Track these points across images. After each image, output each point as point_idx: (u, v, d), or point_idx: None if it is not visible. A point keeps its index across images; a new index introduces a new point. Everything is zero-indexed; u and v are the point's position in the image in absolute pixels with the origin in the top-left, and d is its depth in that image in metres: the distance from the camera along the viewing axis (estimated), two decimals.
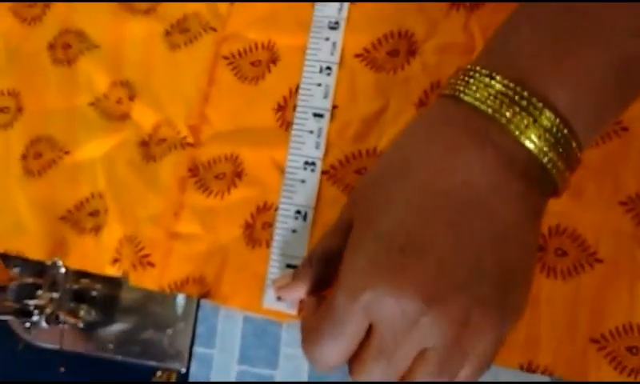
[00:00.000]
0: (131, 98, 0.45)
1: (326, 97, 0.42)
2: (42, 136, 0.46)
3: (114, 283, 0.43)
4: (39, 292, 0.42)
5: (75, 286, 0.43)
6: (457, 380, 0.31)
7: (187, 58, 0.45)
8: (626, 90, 0.32)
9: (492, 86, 0.31)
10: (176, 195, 0.43)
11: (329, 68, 0.43)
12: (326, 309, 0.32)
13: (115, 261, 0.43)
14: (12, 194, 0.45)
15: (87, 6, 0.48)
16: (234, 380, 0.41)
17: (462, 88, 0.32)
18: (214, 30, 0.45)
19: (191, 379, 0.42)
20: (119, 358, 0.43)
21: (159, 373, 0.43)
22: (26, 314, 0.41)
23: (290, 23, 0.44)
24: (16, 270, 0.44)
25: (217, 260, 0.42)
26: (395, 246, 0.30)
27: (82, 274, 0.43)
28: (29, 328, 0.42)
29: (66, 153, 0.45)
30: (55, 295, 0.42)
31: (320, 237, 0.37)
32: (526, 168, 0.31)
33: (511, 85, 0.30)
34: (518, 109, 0.30)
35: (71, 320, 0.42)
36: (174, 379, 0.42)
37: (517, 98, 0.30)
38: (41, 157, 0.45)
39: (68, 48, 0.47)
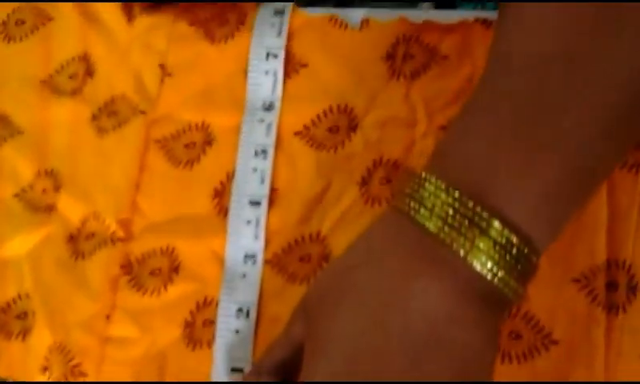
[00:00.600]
0: (56, 189, 0.43)
1: (262, 182, 0.40)
2: None
3: None
4: None
5: None
6: None
7: (116, 143, 0.43)
8: (584, 194, 0.31)
9: (447, 202, 0.29)
10: (107, 296, 0.41)
11: (264, 151, 0.41)
12: None
13: (45, 369, 0.40)
14: None
15: (11, 87, 0.46)
16: None
17: (415, 206, 0.30)
18: (144, 113, 0.43)
19: None
20: None
21: None
22: None
23: (225, 102, 0.43)
24: None
25: (155, 364, 0.39)
26: None
27: None
28: None
29: None
30: None
31: (266, 338, 0.36)
32: (483, 290, 0.29)
33: (463, 199, 0.29)
34: (468, 227, 0.29)
35: None
36: None
37: (469, 213, 0.29)
38: None
39: None
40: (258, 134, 0.41)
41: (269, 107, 0.42)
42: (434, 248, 0.29)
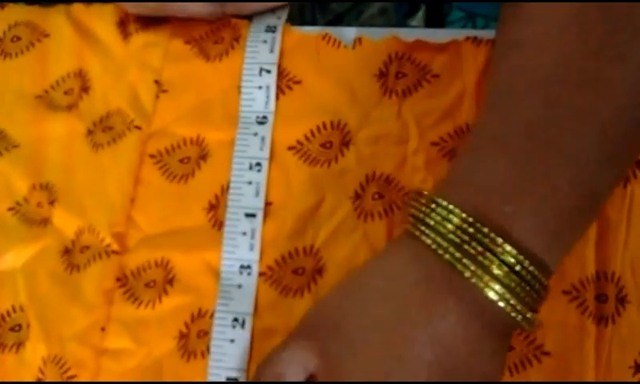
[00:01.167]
0: (51, 203, 0.43)
1: (257, 195, 0.41)
2: None
3: None
4: None
5: None
6: None
7: (111, 158, 0.43)
8: (592, 216, 0.32)
9: (461, 228, 0.30)
10: (103, 308, 0.40)
11: (259, 164, 0.41)
12: None
13: (39, 380, 0.40)
14: None
15: (6, 102, 0.46)
16: None
17: (430, 233, 0.30)
18: (139, 128, 0.43)
19: None
20: None
21: None
22: None
23: (220, 117, 0.43)
24: None
25: (150, 376, 0.39)
26: None
27: None
28: None
29: None
30: None
31: (261, 349, 0.36)
32: (498, 318, 0.30)
33: (477, 225, 0.29)
34: (483, 253, 0.29)
35: None
36: None
37: (479, 235, 0.29)
38: None
39: None
40: (252, 147, 0.42)
41: (262, 121, 0.42)
42: (451, 277, 0.30)
